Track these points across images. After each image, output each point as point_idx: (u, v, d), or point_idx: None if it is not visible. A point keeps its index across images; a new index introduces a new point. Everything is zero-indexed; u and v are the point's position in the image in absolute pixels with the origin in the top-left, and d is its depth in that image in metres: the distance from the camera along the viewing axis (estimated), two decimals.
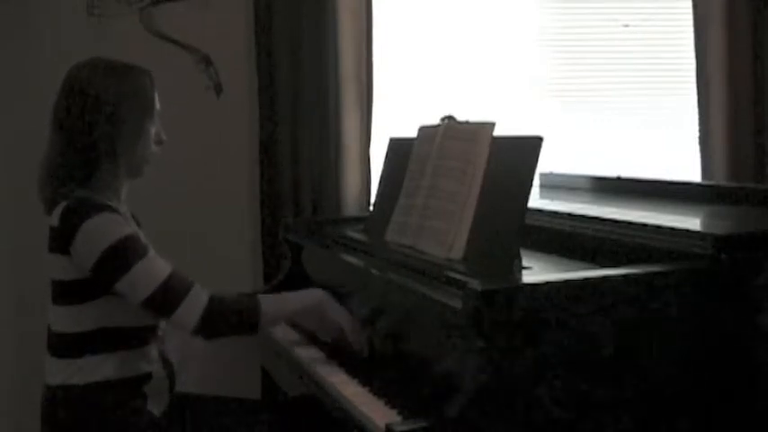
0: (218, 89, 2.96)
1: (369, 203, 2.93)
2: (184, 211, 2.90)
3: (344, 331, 1.93)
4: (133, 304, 1.76)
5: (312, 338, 2.11)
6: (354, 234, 2.32)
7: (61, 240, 1.76)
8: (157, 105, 1.91)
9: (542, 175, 2.92)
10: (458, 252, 1.83)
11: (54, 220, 1.79)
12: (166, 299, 1.75)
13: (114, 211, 1.79)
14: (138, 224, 2.00)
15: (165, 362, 1.93)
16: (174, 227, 2.81)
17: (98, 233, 1.74)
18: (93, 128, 1.80)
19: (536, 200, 2.27)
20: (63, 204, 1.79)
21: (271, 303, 1.88)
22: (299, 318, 2.02)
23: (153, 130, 1.90)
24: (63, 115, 1.83)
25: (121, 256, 1.74)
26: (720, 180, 3.06)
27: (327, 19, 2.91)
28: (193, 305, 1.76)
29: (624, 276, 1.54)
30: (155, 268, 1.76)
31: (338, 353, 1.96)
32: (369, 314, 1.99)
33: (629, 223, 1.80)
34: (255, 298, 1.86)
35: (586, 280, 1.52)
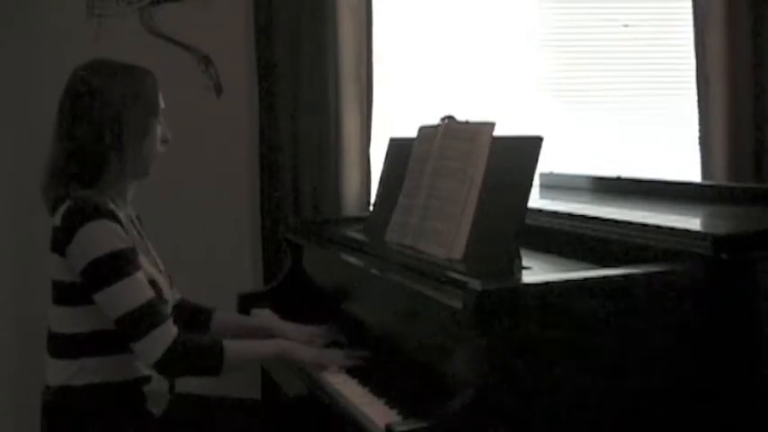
0: (218, 89, 2.96)
1: (369, 203, 2.93)
2: (184, 211, 2.90)
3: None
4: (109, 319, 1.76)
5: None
6: (354, 234, 2.32)
7: (60, 241, 1.76)
8: (162, 105, 1.91)
9: (542, 175, 2.92)
10: (458, 252, 1.83)
11: (57, 219, 1.79)
12: (134, 326, 1.74)
13: (115, 218, 1.78)
14: (141, 223, 2.00)
15: None
16: (174, 227, 2.81)
17: (92, 240, 1.74)
18: (99, 129, 1.80)
19: (536, 200, 2.27)
20: (66, 204, 1.78)
21: (234, 353, 1.84)
22: (269, 363, 2.00)
23: (159, 130, 1.90)
24: (68, 117, 1.82)
25: (107, 268, 1.73)
26: (720, 180, 3.06)
27: (327, 19, 2.91)
28: (158, 341, 1.73)
29: (624, 276, 1.55)
30: (134, 291, 1.75)
31: None
32: (368, 314, 1.99)
33: (629, 223, 1.80)
34: (220, 346, 1.81)
35: (586, 280, 1.52)
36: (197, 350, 1.81)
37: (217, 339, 1.86)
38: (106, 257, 1.73)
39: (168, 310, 1.88)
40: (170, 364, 1.75)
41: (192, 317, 2.09)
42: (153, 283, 1.83)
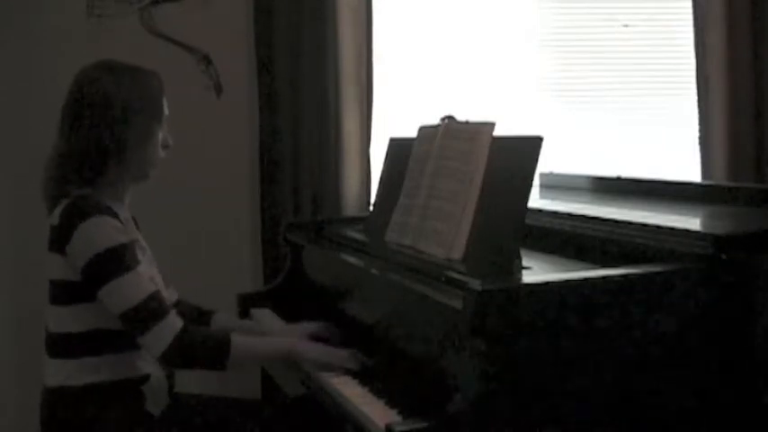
0: (218, 89, 2.96)
1: (369, 203, 2.94)
2: (184, 211, 2.90)
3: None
4: (113, 315, 1.76)
5: (312, 339, 2.10)
6: (354, 234, 2.32)
7: (59, 239, 1.76)
8: (166, 110, 1.91)
9: (542, 175, 2.92)
10: (458, 252, 1.83)
11: (54, 218, 1.79)
12: (140, 318, 1.74)
13: (114, 215, 1.79)
14: (137, 227, 2.00)
15: None
16: (175, 227, 2.81)
17: (93, 236, 1.74)
18: (102, 131, 1.80)
19: (536, 200, 2.27)
20: (64, 203, 1.79)
21: (242, 347, 1.83)
22: (269, 363, 1.98)
23: (160, 134, 1.90)
24: (72, 117, 1.82)
25: (109, 263, 1.73)
26: (720, 180, 3.06)
27: (327, 19, 2.91)
28: (164, 332, 1.74)
29: (624, 276, 1.54)
30: (138, 285, 1.75)
31: None
32: (368, 314, 1.99)
33: (629, 223, 1.80)
34: (228, 339, 1.80)
35: (586, 280, 1.52)
36: (203, 342, 1.80)
37: (225, 332, 1.86)
38: (107, 252, 1.73)
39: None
40: (176, 355, 1.75)
41: (192, 317, 2.08)
42: (151, 279, 1.83)
